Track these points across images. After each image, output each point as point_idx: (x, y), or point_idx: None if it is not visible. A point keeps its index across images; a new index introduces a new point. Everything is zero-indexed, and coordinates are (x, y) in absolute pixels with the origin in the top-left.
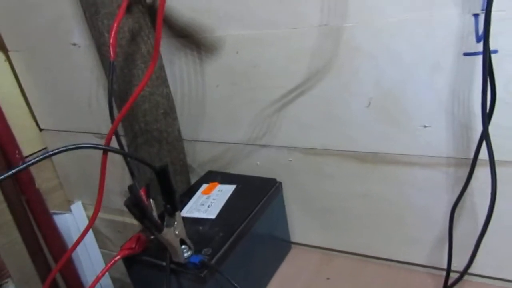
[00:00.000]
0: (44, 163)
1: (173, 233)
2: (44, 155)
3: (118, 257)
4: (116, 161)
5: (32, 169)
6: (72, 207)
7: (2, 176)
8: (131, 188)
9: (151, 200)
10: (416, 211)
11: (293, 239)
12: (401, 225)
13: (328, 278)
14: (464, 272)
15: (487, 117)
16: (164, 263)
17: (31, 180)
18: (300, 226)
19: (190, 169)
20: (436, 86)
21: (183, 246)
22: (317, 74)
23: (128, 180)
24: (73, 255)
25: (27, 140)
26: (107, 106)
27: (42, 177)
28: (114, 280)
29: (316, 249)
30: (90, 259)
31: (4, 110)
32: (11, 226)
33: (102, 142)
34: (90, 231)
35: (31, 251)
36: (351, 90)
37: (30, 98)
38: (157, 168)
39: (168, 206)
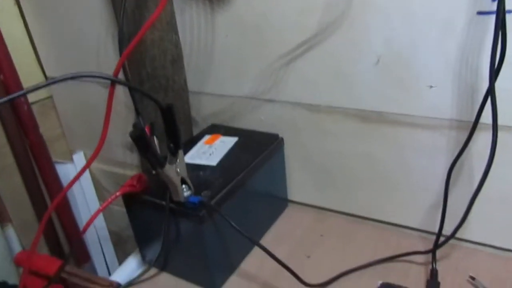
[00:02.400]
0: (48, 112)
1: (174, 170)
2: (50, 82)
3: (119, 193)
4: (119, 112)
5: (36, 117)
6: (74, 156)
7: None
8: (135, 124)
9: (154, 137)
10: (413, 174)
11: (290, 197)
12: (397, 188)
13: (322, 235)
14: (455, 232)
15: (494, 73)
16: (163, 202)
17: (35, 124)
18: (298, 184)
19: (193, 122)
20: (446, 46)
21: (183, 186)
22: (327, 29)
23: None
24: (72, 205)
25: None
26: (115, 54)
27: (45, 126)
28: (111, 233)
29: (312, 208)
30: (89, 210)
31: (11, 55)
32: (13, 170)
33: (108, 90)
34: (91, 182)
35: (32, 197)
36: (360, 47)
37: (38, 44)
38: (163, 105)
39: (171, 145)
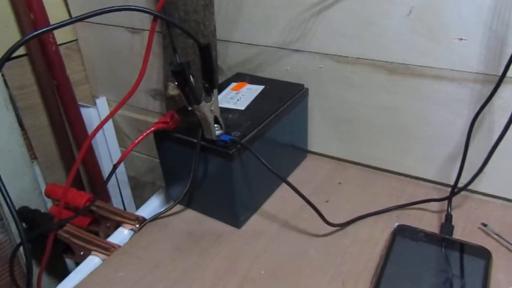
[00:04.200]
0: (73, 55)
1: (209, 108)
2: (92, 13)
3: (153, 128)
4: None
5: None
6: (97, 101)
7: (28, 36)
8: (172, 61)
9: (190, 76)
10: (434, 127)
11: (310, 148)
12: (417, 140)
13: (340, 183)
14: (473, 179)
15: None
16: (195, 140)
17: (62, 65)
18: (318, 135)
19: (219, 70)
20: None
21: (215, 125)
22: None
23: (155, 79)
24: (94, 149)
25: (59, 30)
26: None
27: (70, 69)
28: (129, 178)
29: (330, 158)
30: (110, 155)
31: None
32: (40, 110)
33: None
34: (112, 127)
35: (56, 136)
36: None
37: None
38: (202, 43)
39: (206, 85)
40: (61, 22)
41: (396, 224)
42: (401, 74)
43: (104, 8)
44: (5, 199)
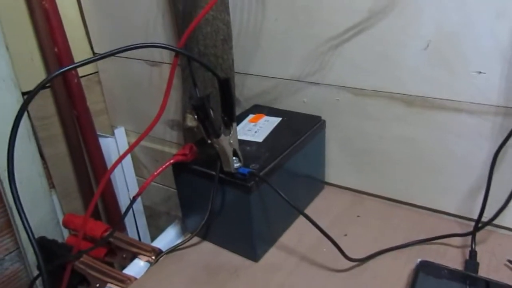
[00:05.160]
0: (93, 86)
1: (228, 141)
2: (121, 49)
3: (172, 161)
4: (162, 89)
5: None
6: (116, 131)
7: (54, 74)
8: (192, 95)
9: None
10: (454, 160)
11: (327, 179)
12: (437, 173)
13: (358, 216)
14: (497, 214)
15: None
16: (213, 172)
17: (83, 97)
18: (336, 167)
19: (236, 102)
20: (498, 32)
21: (234, 158)
22: (380, 13)
23: (173, 110)
24: (111, 177)
25: None
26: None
27: (90, 100)
28: (145, 207)
29: (348, 190)
30: (126, 184)
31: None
32: (60, 139)
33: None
34: (129, 156)
35: (75, 166)
36: (411, 32)
37: (88, 21)
38: (221, 77)
39: (225, 118)
40: (87, 59)
41: (419, 260)
42: (419, 107)
43: (129, 46)
44: (26, 230)
